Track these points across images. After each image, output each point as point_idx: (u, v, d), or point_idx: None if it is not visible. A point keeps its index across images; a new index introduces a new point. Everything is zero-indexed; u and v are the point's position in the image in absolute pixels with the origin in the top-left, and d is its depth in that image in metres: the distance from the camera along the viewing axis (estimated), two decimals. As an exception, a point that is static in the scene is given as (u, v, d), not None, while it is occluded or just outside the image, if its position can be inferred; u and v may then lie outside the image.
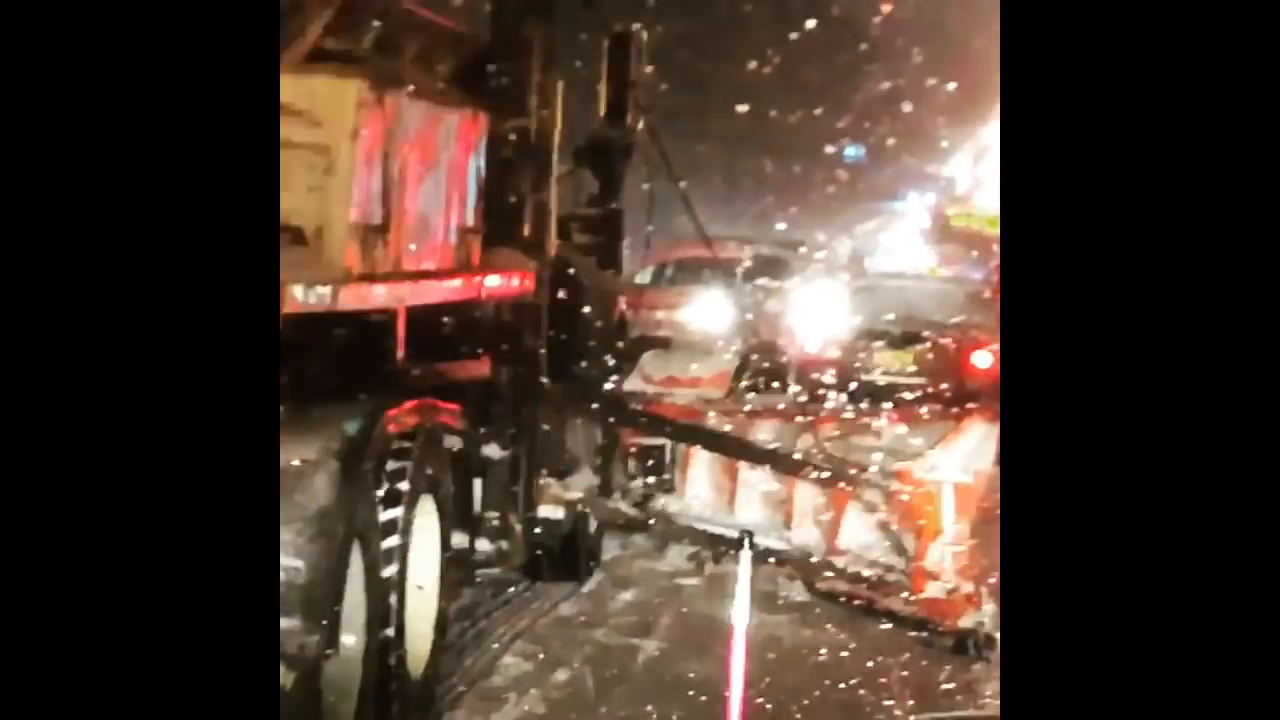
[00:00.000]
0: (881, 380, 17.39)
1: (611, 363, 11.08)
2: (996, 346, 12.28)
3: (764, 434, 11.48)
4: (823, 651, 9.34)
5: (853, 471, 10.18)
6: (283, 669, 6.34)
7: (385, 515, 7.16)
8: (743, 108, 33.00)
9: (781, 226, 33.32)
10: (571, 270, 10.19)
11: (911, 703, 8.37)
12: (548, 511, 9.73)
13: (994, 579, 8.87)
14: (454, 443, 8.19)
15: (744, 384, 14.35)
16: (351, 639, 6.80)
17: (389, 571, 7.15)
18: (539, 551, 10.14)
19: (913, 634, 9.60)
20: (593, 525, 10.86)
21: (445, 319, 8.50)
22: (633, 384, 12.82)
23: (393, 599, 7.20)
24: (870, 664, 9.04)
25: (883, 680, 8.76)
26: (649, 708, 8.15)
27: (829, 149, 37.07)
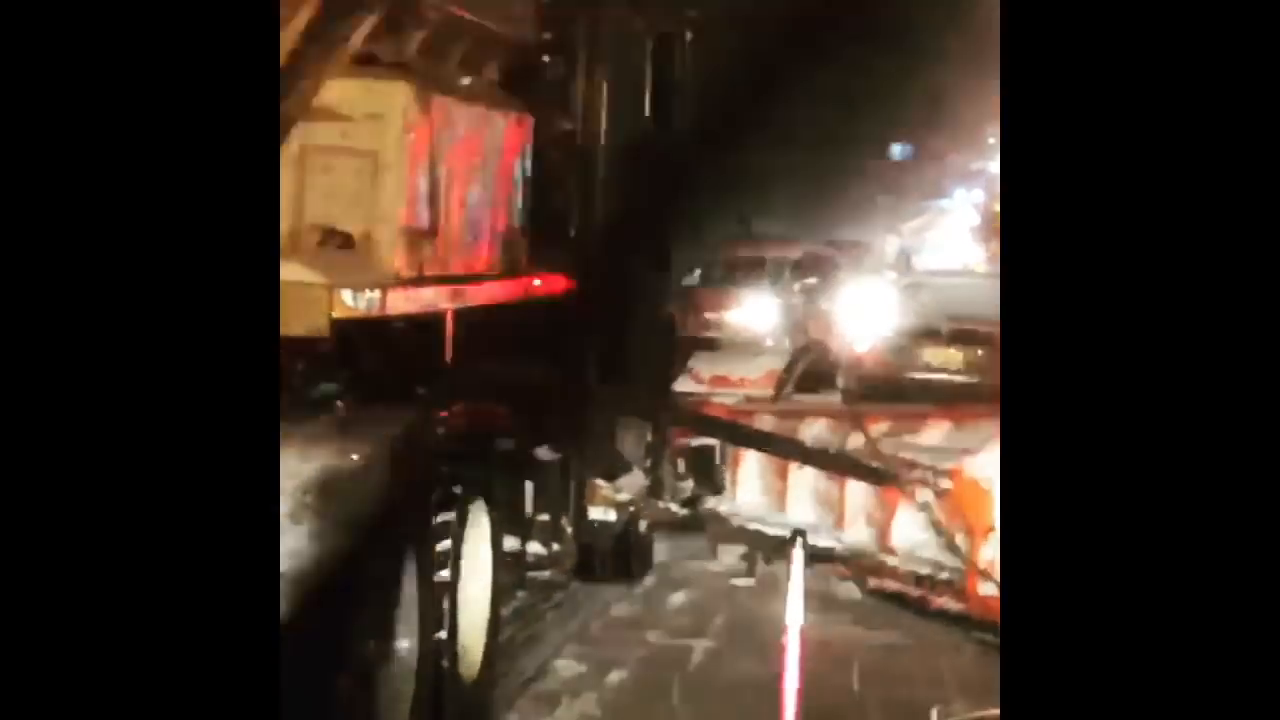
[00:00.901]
0: (931, 378, 17.33)
1: (660, 364, 11.07)
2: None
3: (813, 433, 11.45)
4: (876, 650, 9.32)
5: (904, 470, 10.14)
6: (338, 672, 6.37)
7: (437, 519, 7.18)
8: (795, 100, 32.91)
9: (835, 227, 33.27)
10: (620, 272, 10.18)
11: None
12: (599, 513, 9.73)
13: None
14: (505, 445, 8.19)
15: (792, 383, 14.32)
16: (405, 642, 6.81)
17: (442, 575, 7.17)
18: (591, 553, 10.14)
19: (966, 632, 9.57)
20: (644, 527, 10.86)
21: (494, 321, 8.51)
22: (682, 384, 12.81)
23: (446, 602, 7.21)
24: (924, 663, 9.02)
25: (941, 675, 8.74)
26: (704, 708, 8.15)
27: (890, 144, 36.95)
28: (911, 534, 10.28)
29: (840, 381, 14.41)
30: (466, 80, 7.92)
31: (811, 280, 24.16)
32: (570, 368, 9.31)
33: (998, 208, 35.42)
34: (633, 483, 10.31)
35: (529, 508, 8.75)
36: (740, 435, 11.19)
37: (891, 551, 10.35)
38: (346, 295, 6.47)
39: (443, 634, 7.19)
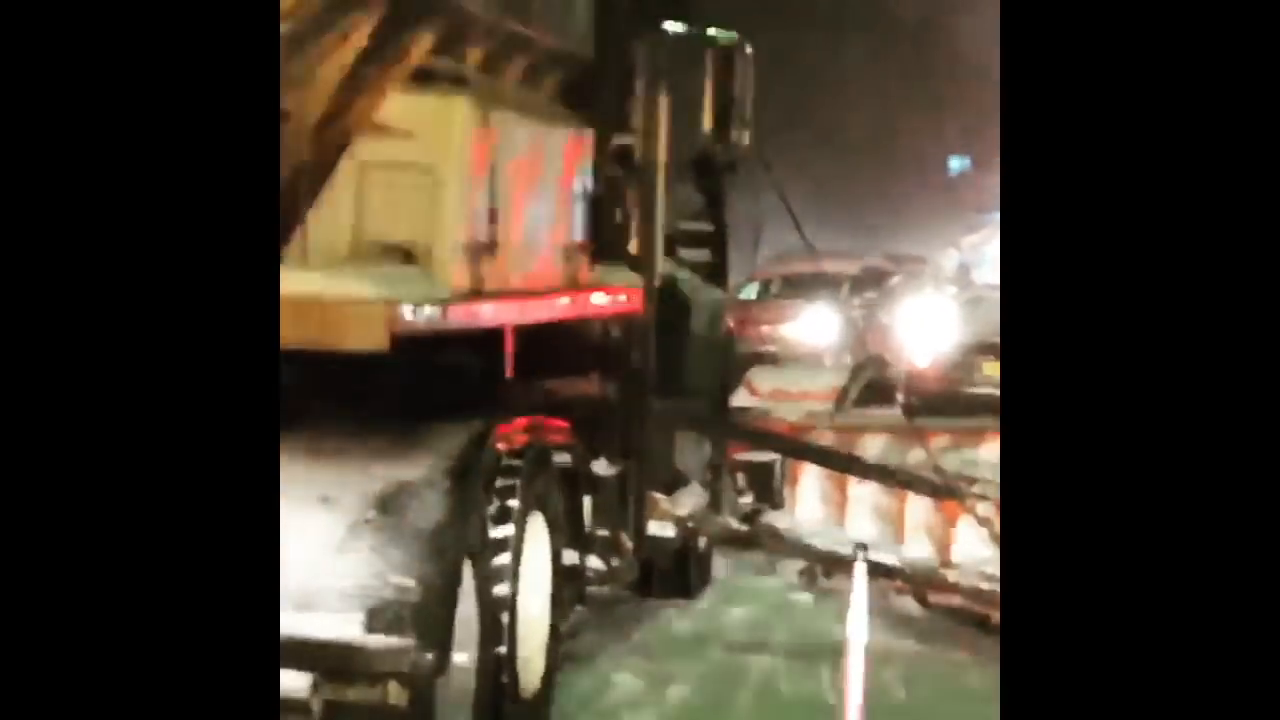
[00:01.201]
0: (992, 392, 17.23)
1: (719, 378, 11.04)
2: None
3: (874, 448, 11.40)
4: (939, 667, 9.27)
5: (965, 485, 10.08)
6: (397, 687, 6.37)
7: (496, 533, 7.17)
8: (851, 112, 32.92)
9: (894, 241, 33.21)
10: (678, 286, 10.17)
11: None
12: (657, 528, 9.71)
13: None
14: (563, 460, 8.18)
15: (852, 398, 14.27)
16: (464, 657, 6.81)
17: (500, 589, 7.16)
18: (650, 568, 10.12)
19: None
20: (703, 542, 10.83)
21: (553, 337, 8.50)
22: (741, 399, 12.77)
23: (504, 617, 7.20)
24: (987, 678, 8.96)
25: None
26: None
27: (948, 157, 36.86)
28: (973, 549, 10.22)
29: (900, 396, 14.36)
30: (525, 95, 7.92)
31: (871, 294, 24.10)
32: (629, 382, 9.30)
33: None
34: (692, 497, 10.28)
35: (588, 522, 8.74)
36: (800, 450, 11.16)
37: (952, 567, 10.30)
38: (406, 310, 6.47)
39: (501, 648, 7.18)
